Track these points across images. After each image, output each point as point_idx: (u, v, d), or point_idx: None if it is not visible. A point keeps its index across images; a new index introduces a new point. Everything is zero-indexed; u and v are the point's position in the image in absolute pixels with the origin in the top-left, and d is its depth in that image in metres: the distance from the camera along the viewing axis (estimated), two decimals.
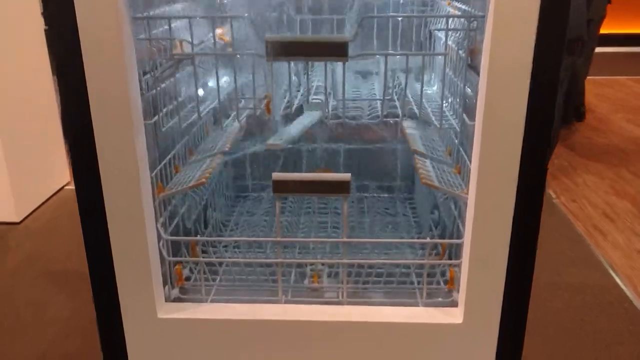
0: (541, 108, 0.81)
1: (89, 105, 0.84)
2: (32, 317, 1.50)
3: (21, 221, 2.02)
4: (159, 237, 0.98)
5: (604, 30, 2.88)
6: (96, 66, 0.82)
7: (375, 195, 1.51)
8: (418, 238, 1.31)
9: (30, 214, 2.07)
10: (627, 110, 3.56)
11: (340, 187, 0.91)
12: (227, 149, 1.15)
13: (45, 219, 2.03)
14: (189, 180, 1.06)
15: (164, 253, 1.00)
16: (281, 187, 0.91)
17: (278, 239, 0.96)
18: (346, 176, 0.91)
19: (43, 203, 2.15)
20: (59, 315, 1.49)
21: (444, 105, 1.05)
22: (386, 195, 1.53)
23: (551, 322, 1.46)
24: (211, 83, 1.07)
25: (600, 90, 3.98)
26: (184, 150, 1.19)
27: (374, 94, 1.05)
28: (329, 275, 1.13)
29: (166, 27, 0.93)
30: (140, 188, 0.89)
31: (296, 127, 0.97)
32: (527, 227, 0.88)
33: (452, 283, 1.05)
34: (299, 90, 1.05)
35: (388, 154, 1.49)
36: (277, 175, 0.91)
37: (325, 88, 0.91)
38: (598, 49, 2.93)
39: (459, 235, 1.05)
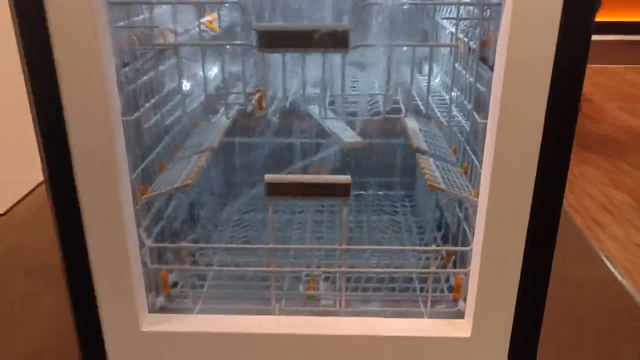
0: (564, 105, 0.73)
1: (60, 101, 0.75)
2: (22, 310, 1.41)
3: (6, 212, 1.94)
4: (142, 244, 0.91)
5: (597, 19, 2.82)
6: (68, 57, 0.73)
7: (373, 192, 1.43)
8: (420, 239, 1.24)
9: (15, 204, 2.00)
10: (620, 99, 3.51)
11: (340, 190, 0.83)
12: (216, 146, 1.07)
13: (31, 210, 1.95)
14: (174, 180, 0.97)
15: (148, 261, 0.92)
16: (275, 190, 0.83)
17: (271, 246, 0.88)
18: (346, 178, 0.83)
19: (29, 193, 2.07)
20: (51, 307, 1.41)
21: (450, 100, 0.97)
22: (384, 192, 1.45)
23: (548, 319, 1.41)
24: (198, 75, 0.98)
25: (594, 79, 3.93)
26: (169, 146, 1.10)
27: (374, 87, 0.97)
28: (325, 280, 1.06)
29: (148, 14, 0.84)
30: (120, 192, 0.81)
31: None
32: (543, 236, 0.81)
33: (457, 291, 0.98)
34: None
35: (386, 150, 1.41)
36: (270, 178, 0.83)
37: (324, 81, 0.83)
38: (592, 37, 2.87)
39: (465, 239, 0.98)
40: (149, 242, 0.92)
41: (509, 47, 0.71)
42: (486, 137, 0.80)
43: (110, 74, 0.76)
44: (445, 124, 0.85)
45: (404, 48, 0.80)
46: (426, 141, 1.13)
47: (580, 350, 1.30)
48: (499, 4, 0.74)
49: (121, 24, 0.80)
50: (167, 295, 1.01)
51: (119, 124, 0.80)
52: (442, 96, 1.01)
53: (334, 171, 1.44)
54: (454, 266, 1.09)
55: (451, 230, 1.15)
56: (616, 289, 1.56)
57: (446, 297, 1.00)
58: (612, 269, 1.66)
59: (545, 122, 0.74)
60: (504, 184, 0.78)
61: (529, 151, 0.76)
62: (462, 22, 0.87)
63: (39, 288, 1.50)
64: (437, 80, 1.13)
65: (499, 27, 0.74)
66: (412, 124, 1.14)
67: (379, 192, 1.44)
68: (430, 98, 0.83)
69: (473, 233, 0.92)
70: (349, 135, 0.90)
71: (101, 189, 0.80)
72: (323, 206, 1.41)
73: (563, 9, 0.68)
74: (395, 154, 1.41)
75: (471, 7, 0.85)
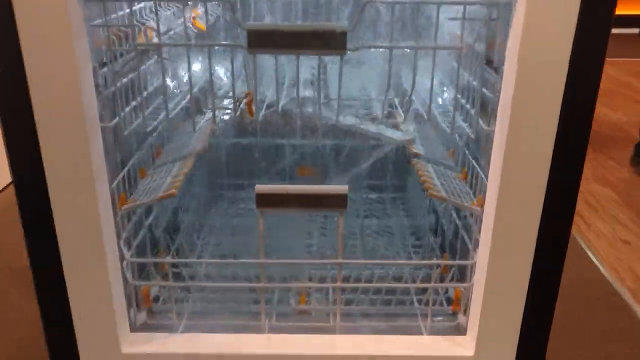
0: (579, 112, 0.69)
1: (31, 107, 0.68)
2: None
3: None
4: (122, 257, 0.84)
5: None
6: (38, 58, 0.66)
7: (364, 195, 1.38)
8: (416, 245, 1.19)
9: None
10: (601, 94, 3.51)
11: (336, 201, 0.77)
12: (200, 149, 1.00)
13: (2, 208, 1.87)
14: (157, 187, 0.91)
15: (128, 276, 0.86)
16: (266, 202, 0.77)
17: (261, 260, 0.82)
18: (343, 188, 0.77)
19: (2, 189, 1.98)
20: (29, 311, 1.33)
21: (448, 104, 0.91)
22: (376, 194, 1.40)
23: None
24: (182, 75, 0.92)
25: None
26: (150, 150, 1.04)
27: (368, 89, 0.91)
28: (318, 290, 1.00)
29: (128, 10, 0.77)
30: (97, 204, 0.74)
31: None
32: (552, 250, 0.77)
33: (457, 304, 0.93)
34: (283, 83, 0.91)
35: (377, 150, 1.36)
36: (261, 188, 0.77)
37: (319, 83, 0.77)
38: None
39: (465, 249, 0.94)
40: (130, 256, 0.85)
41: (520, 49, 0.65)
42: (493, 145, 0.75)
43: (86, 77, 0.70)
44: (449, 131, 0.79)
45: (407, 50, 0.74)
46: (422, 144, 1.07)
47: (568, 349, 1.26)
48: (509, 4, 0.69)
49: (98, 21, 0.73)
50: (149, 310, 0.95)
51: (96, 131, 0.73)
52: (440, 100, 0.95)
53: (322, 171, 1.39)
54: (453, 276, 1.04)
55: (448, 237, 1.10)
56: (605, 289, 1.53)
57: (445, 310, 0.96)
58: (600, 267, 1.63)
59: (558, 130, 0.69)
60: (513, 196, 0.73)
61: (541, 161, 0.71)
62: (461, 21, 0.81)
63: (15, 290, 1.43)
64: (435, 82, 1.07)
65: (508, 28, 0.69)
66: (407, 125, 1.09)
67: (371, 195, 1.38)
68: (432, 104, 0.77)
69: (474, 244, 0.87)
70: (399, 134, 0.84)
71: (77, 201, 0.73)
72: None
73: (581, 6, 0.63)
74: (385, 153, 1.36)
75: (476, 7, 0.79)
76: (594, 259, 1.66)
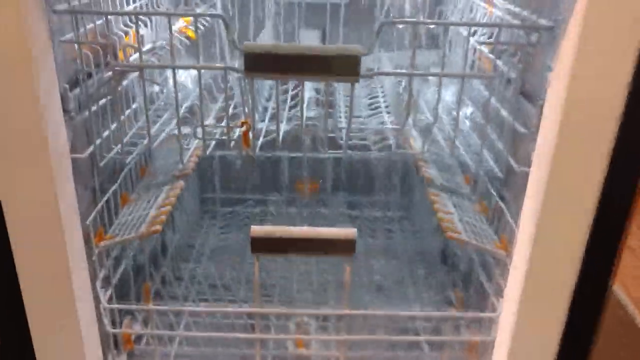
0: (632, 156, 0.58)
1: None
2: None
3: None
4: (98, 301, 0.74)
5: None
6: None
7: (368, 213, 1.28)
8: (425, 275, 1.09)
9: None
10: None
11: (343, 248, 0.67)
12: (188, 172, 0.90)
13: None
14: (140, 217, 0.81)
15: (105, 321, 0.76)
16: (263, 247, 0.67)
17: (257, 309, 0.72)
18: (350, 233, 0.67)
19: None
20: None
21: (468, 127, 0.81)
22: (380, 213, 1.29)
23: None
24: (167, 93, 0.81)
25: None
26: (136, 170, 0.93)
27: (381, 113, 0.81)
28: (318, 329, 0.90)
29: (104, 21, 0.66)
30: (66, 248, 0.64)
31: None
32: (589, 306, 0.67)
33: (473, 351, 0.84)
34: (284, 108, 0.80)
35: (382, 164, 1.25)
36: (257, 231, 0.66)
37: (327, 110, 0.67)
38: None
39: (483, 294, 0.84)
40: (107, 300, 0.75)
41: (570, 81, 0.55)
42: (528, 187, 0.64)
43: (51, 101, 0.59)
44: (473, 170, 0.69)
45: (430, 78, 0.64)
46: (432, 160, 0.97)
47: None
48: (552, 28, 0.58)
49: (69, 36, 0.62)
50: (130, 352, 0.85)
51: (65, 164, 0.63)
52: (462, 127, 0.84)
53: (323, 187, 1.29)
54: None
55: (460, 266, 1.01)
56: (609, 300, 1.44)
57: (459, 357, 0.86)
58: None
59: (606, 177, 0.59)
60: (549, 247, 0.63)
61: (584, 210, 0.61)
62: (486, 43, 0.71)
63: None
64: (449, 95, 0.96)
65: (551, 55, 0.58)
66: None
67: (375, 214, 1.28)
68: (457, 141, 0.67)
69: (494, 288, 0.78)
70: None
71: (42, 245, 0.63)
72: (313, 214, 1.25)
73: None
74: (390, 168, 1.26)
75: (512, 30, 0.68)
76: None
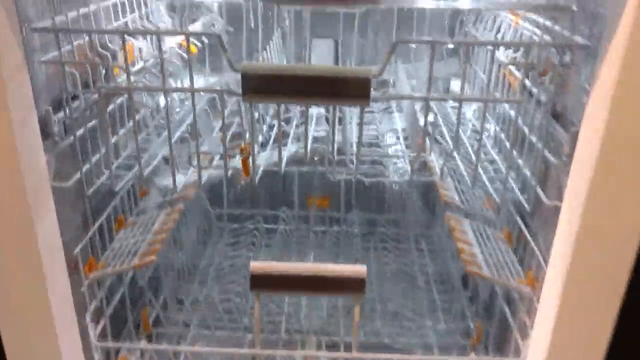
0: None
1: None
2: None
3: None
4: (87, 341, 0.68)
5: None
6: None
7: (383, 232, 1.20)
8: (443, 298, 1.02)
9: None
10: None
11: (351, 286, 0.61)
12: (189, 197, 0.84)
13: None
14: (135, 244, 0.75)
15: (97, 359, 0.70)
16: (263, 284, 0.61)
17: (256, 351, 0.65)
18: (360, 271, 0.61)
19: None
20: None
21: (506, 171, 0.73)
22: (395, 231, 1.22)
23: None
24: (159, 114, 0.75)
25: None
26: (134, 191, 0.88)
27: (398, 138, 0.74)
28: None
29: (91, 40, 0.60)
30: (46, 285, 0.58)
31: None
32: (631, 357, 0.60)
33: None
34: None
35: (399, 185, 1.18)
36: (257, 268, 0.60)
37: (333, 133, 0.60)
38: None
39: (503, 319, 0.77)
40: (97, 337, 0.69)
41: (611, 106, 0.48)
42: (559, 222, 0.57)
43: (28, 126, 0.53)
44: (498, 201, 0.62)
45: (450, 102, 0.57)
46: (455, 188, 0.90)
47: None
48: (587, 46, 0.51)
49: (51, 55, 0.57)
50: None
51: (45, 195, 0.57)
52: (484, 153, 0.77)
53: (335, 203, 1.22)
54: (487, 346, 0.88)
55: (482, 295, 0.93)
56: None
57: None
58: None
59: None
60: (583, 288, 0.56)
61: (623, 249, 0.54)
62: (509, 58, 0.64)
63: None
64: (470, 112, 0.89)
65: (587, 75, 0.52)
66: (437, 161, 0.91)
67: (390, 232, 1.21)
68: (479, 164, 0.60)
69: (519, 327, 0.71)
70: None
71: (20, 280, 0.58)
72: (324, 232, 1.19)
73: None
74: (408, 186, 1.18)
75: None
76: None
